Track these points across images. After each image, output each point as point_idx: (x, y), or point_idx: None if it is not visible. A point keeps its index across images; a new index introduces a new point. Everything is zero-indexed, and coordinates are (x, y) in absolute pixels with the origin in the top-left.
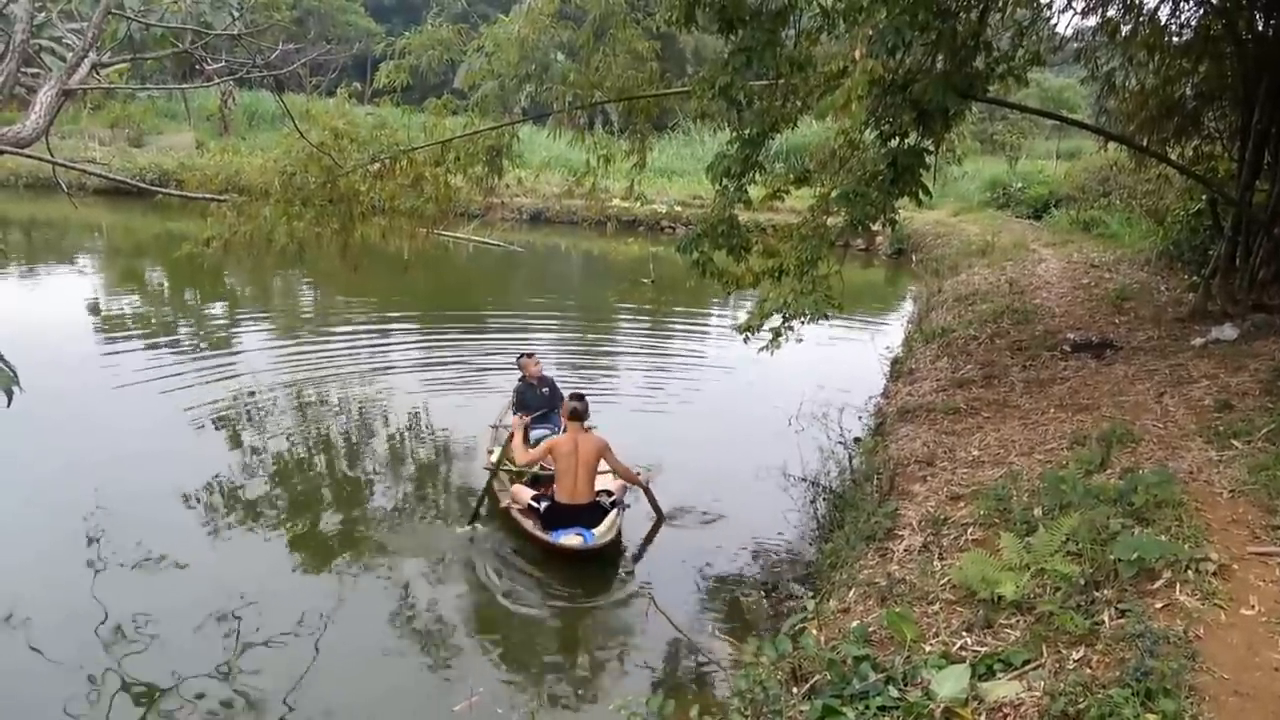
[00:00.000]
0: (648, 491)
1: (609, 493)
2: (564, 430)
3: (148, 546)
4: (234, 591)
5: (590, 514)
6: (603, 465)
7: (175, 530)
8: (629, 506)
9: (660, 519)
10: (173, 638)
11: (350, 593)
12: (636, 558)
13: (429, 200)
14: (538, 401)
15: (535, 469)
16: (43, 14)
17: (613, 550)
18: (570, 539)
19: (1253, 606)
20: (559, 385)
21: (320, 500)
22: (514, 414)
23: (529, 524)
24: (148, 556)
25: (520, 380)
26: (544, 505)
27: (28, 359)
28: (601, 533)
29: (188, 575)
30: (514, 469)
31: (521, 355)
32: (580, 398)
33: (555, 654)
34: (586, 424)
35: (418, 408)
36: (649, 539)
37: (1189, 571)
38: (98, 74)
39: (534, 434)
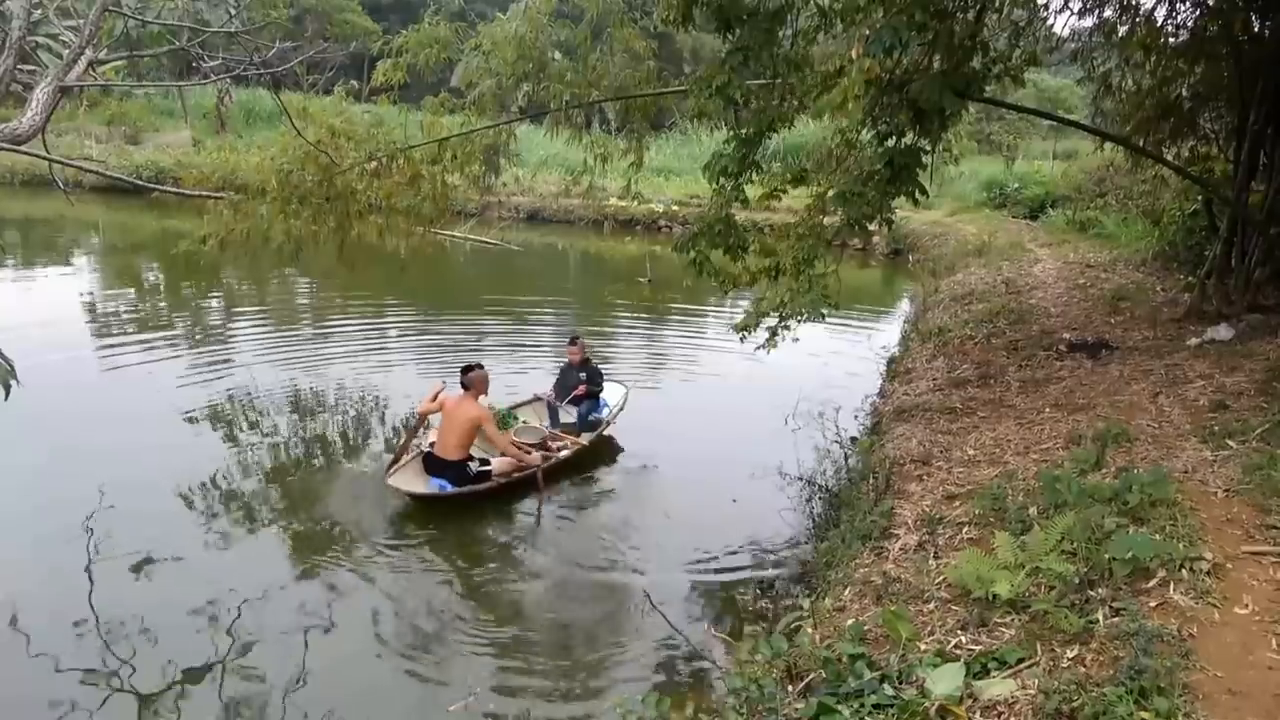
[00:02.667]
0: (537, 473)
1: (486, 461)
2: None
3: (143, 541)
4: (229, 589)
5: (455, 471)
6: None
7: (171, 526)
8: (499, 482)
9: (539, 505)
10: (167, 634)
11: (345, 590)
12: (630, 554)
13: (426, 199)
14: (574, 382)
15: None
16: (39, 11)
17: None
18: (434, 488)
19: (1246, 605)
20: (601, 372)
21: (315, 496)
22: (551, 389)
23: (406, 478)
24: (143, 552)
25: (566, 361)
26: (426, 451)
27: (24, 354)
28: (457, 492)
29: (183, 571)
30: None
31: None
32: (468, 370)
33: (551, 653)
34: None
35: (413, 403)
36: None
37: (1183, 570)
38: (94, 71)
39: (564, 408)
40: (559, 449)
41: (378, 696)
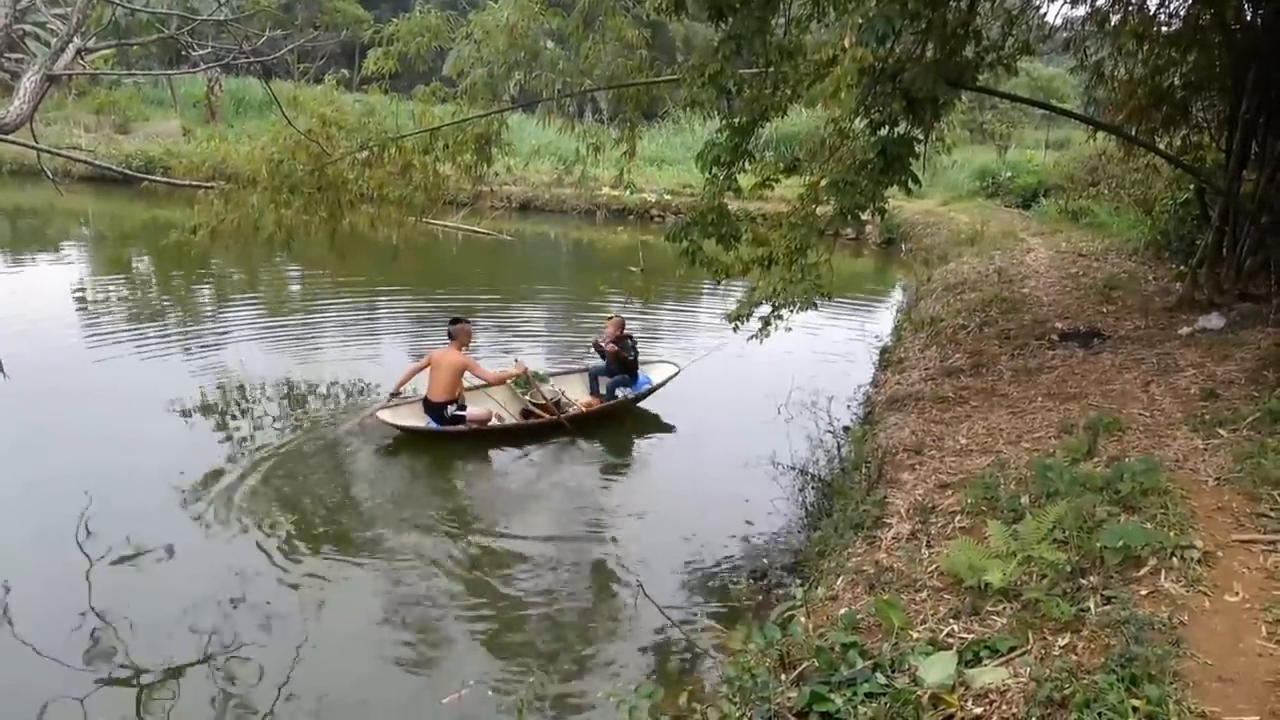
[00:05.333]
0: (548, 403)
1: (463, 408)
2: None
3: (135, 534)
4: (222, 580)
5: (438, 411)
6: None
7: (162, 517)
8: (472, 427)
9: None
10: (161, 627)
11: (339, 581)
12: (623, 544)
13: (418, 188)
14: (606, 346)
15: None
16: None
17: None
18: (426, 424)
19: (1237, 593)
20: (636, 347)
21: (307, 486)
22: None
23: (394, 414)
24: (135, 544)
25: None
26: (424, 397)
27: (12, 346)
28: (435, 429)
29: (175, 564)
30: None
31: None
32: (455, 321)
33: (544, 643)
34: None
35: (407, 393)
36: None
37: (1174, 559)
38: (83, 60)
39: (602, 379)
40: (567, 410)
41: (371, 687)
